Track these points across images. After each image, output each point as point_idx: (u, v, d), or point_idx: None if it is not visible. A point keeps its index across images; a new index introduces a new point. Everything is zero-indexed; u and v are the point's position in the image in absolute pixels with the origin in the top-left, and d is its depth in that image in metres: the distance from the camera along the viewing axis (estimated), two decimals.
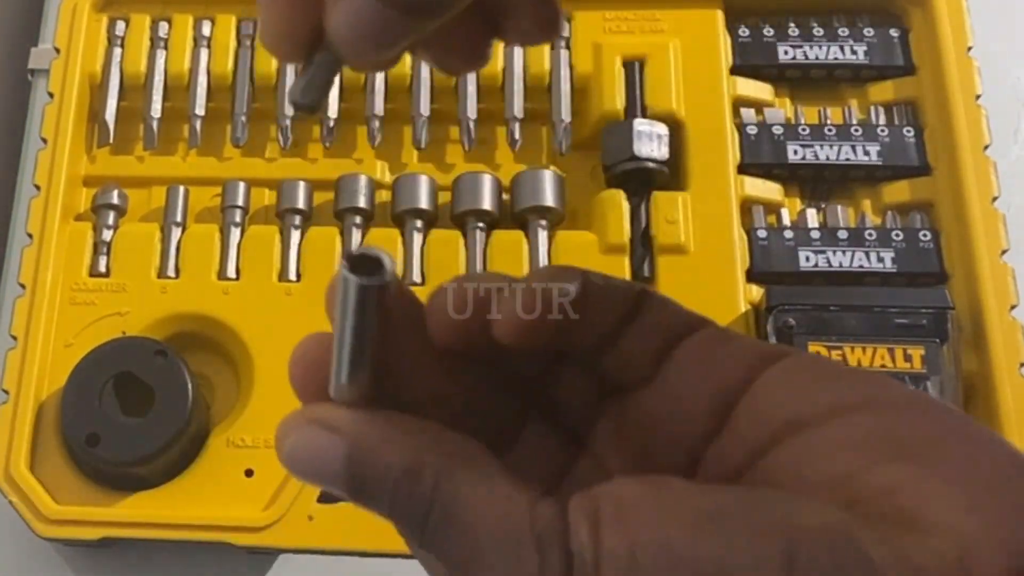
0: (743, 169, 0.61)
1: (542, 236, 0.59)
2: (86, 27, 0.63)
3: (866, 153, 0.61)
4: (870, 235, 0.58)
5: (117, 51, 0.64)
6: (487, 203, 0.60)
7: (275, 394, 0.55)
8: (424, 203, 0.60)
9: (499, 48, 0.60)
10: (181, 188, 0.61)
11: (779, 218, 0.60)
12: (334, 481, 0.23)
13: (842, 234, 0.59)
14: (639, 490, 0.21)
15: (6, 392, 0.55)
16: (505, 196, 0.61)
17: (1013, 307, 0.56)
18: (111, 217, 0.60)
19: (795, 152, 0.61)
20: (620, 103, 0.61)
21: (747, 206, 0.60)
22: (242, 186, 0.61)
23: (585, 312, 0.25)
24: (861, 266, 0.58)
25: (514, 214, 0.60)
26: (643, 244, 0.59)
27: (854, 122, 0.62)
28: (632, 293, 0.26)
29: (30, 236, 0.59)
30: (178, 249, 0.59)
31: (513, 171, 0.61)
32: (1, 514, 0.54)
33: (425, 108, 0.62)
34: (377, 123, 0.62)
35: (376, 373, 0.24)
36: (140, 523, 0.53)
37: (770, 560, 0.19)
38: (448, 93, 0.63)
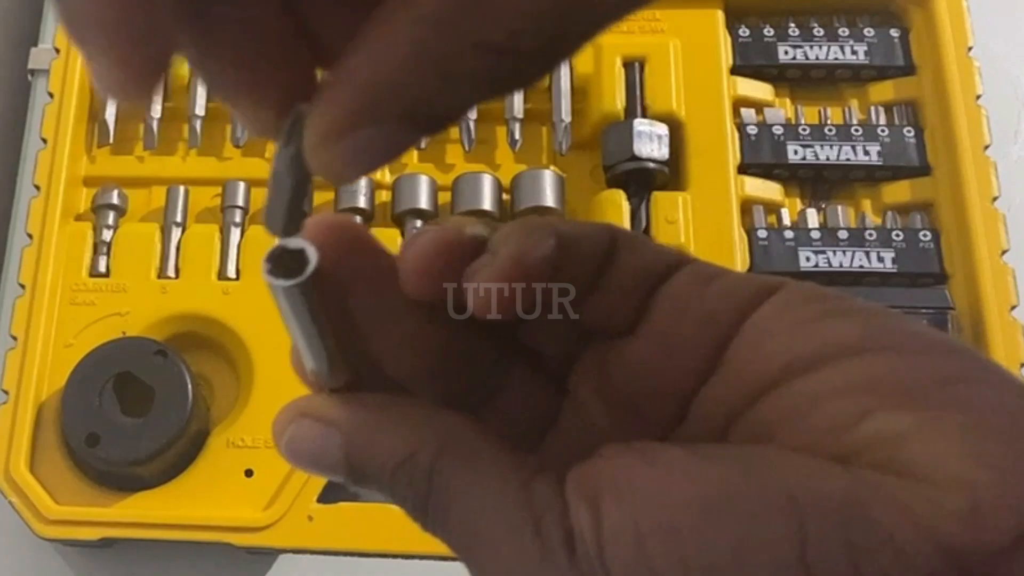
0: (743, 169, 0.61)
1: None
2: None
3: (866, 153, 0.61)
4: (870, 235, 0.58)
5: None
6: (487, 203, 0.60)
7: (275, 394, 0.55)
8: (424, 203, 0.60)
9: None
10: (181, 188, 0.61)
11: (779, 218, 0.60)
12: (336, 472, 0.24)
13: (842, 234, 0.59)
14: (635, 464, 0.21)
15: (6, 392, 0.55)
16: (505, 196, 0.61)
17: (1013, 307, 0.56)
18: (111, 217, 0.60)
19: (795, 152, 0.61)
20: (620, 103, 0.61)
21: (747, 206, 0.60)
22: (242, 186, 0.61)
23: (561, 267, 0.24)
24: (861, 266, 0.58)
25: (514, 214, 0.60)
26: None
27: (854, 122, 0.62)
28: (604, 237, 0.24)
29: (30, 236, 0.59)
30: (178, 249, 0.59)
31: (513, 171, 0.61)
32: (1, 514, 0.54)
33: None
34: None
35: (345, 353, 0.23)
36: (140, 523, 0.53)
37: (783, 541, 0.18)
38: None
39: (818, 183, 0.62)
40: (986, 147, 0.59)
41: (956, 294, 0.56)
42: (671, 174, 0.60)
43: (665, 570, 0.19)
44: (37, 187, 0.59)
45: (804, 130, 0.61)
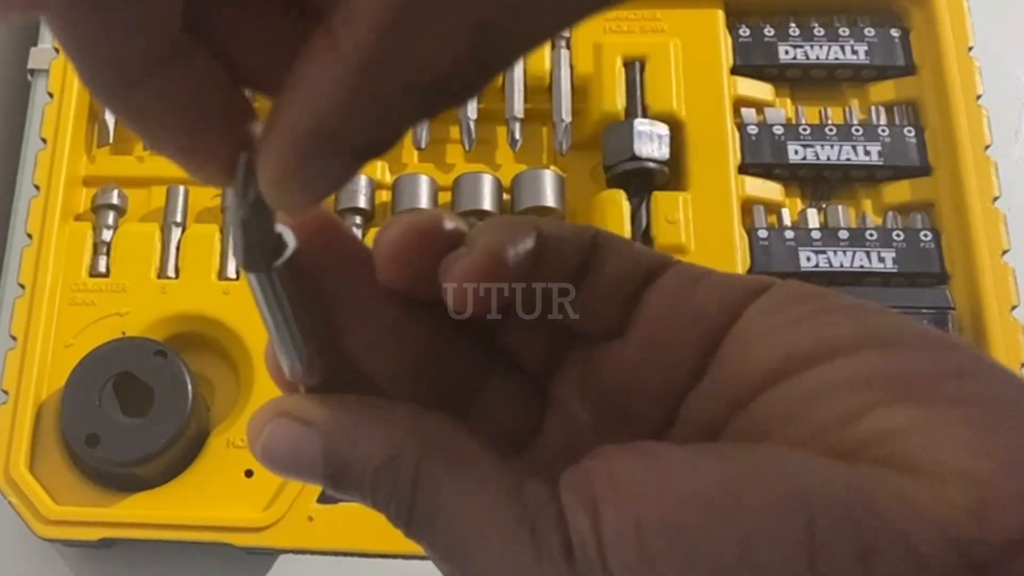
0: (744, 169, 0.60)
1: None
2: None
3: (867, 153, 0.61)
4: (871, 235, 0.58)
5: None
6: (487, 203, 0.60)
7: (275, 394, 0.55)
8: (424, 203, 0.60)
9: None
10: (181, 188, 0.61)
11: (780, 218, 0.60)
12: (313, 474, 0.22)
13: (843, 234, 0.59)
14: (635, 463, 0.20)
15: (6, 392, 0.55)
16: (505, 196, 0.61)
17: (1014, 307, 0.56)
18: (111, 217, 0.60)
19: (796, 152, 0.61)
20: (620, 103, 0.61)
21: (748, 206, 0.60)
22: None
23: (540, 266, 0.23)
24: (862, 266, 0.58)
25: (514, 214, 0.60)
26: (644, 244, 0.59)
27: (855, 122, 0.62)
28: (586, 239, 0.24)
29: (30, 236, 0.58)
30: (178, 249, 0.59)
31: (513, 171, 0.61)
32: (1, 514, 0.54)
33: None
34: None
35: (322, 348, 0.23)
36: (140, 523, 0.53)
37: (792, 539, 0.18)
38: None
39: (819, 183, 0.62)
40: (987, 147, 0.59)
41: (957, 294, 0.56)
42: (671, 174, 0.60)
43: (669, 570, 0.19)
44: (37, 187, 0.59)
45: (804, 130, 0.61)
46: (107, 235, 0.60)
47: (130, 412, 0.53)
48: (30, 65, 0.68)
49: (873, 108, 0.63)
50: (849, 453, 0.19)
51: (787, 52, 0.63)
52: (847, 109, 0.63)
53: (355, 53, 0.17)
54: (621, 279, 0.24)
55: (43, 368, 0.56)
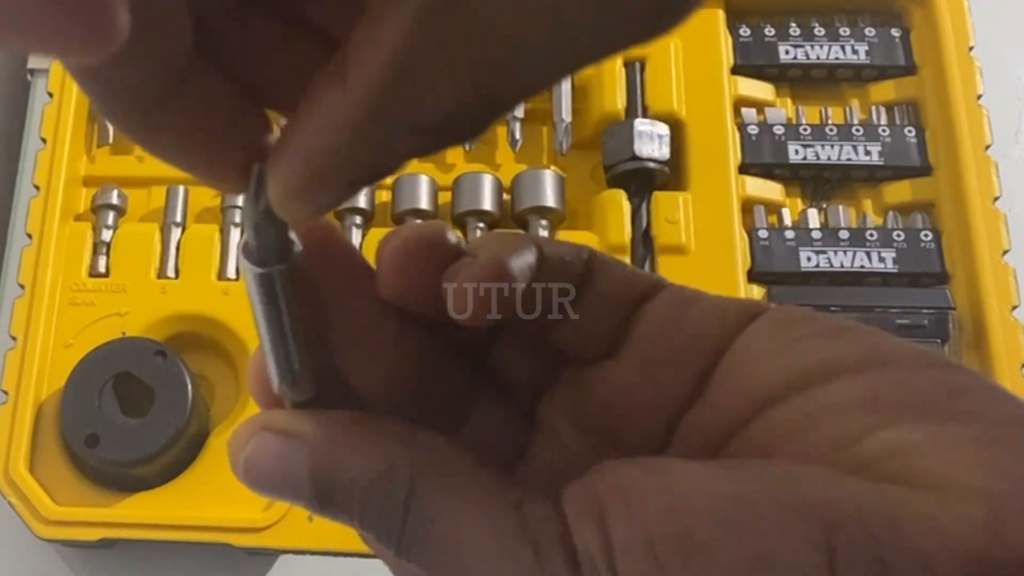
0: (744, 169, 0.60)
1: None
2: None
3: (867, 153, 0.61)
4: (871, 235, 0.58)
5: None
6: (487, 203, 0.60)
7: None
8: (424, 203, 0.60)
9: None
10: (181, 188, 0.61)
11: (780, 218, 0.60)
12: (298, 492, 0.21)
13: (843, 234, 0.59)
14: (643, 477, 0.19)
15: (5, 393, 0.55)
16: (506, 196, 0.61)
17: (1014, 307, 0.56)
18: (111, 217, 0.60)
19: (796, 152, 0.61)
20: (621, 103, 0.61)
21: (748, 206, 0.60)
22: None
23: (539, 279, 0.23)
24: (862, 266, 0.58)
25: (514, 214, 0.60)
26: (644, 244, 0.58)
27: (855, 122, 0.62)
28: (581, 260, 0.24)
29: (30, 236, 0.58)
30: (178, 249, 0.59)
31: (513, 171, 0.61)
32: (1, 514, 0.54)
33: None
34: None
35: (315, 360, 0.22)
36: (140, 524, 0.53)
37: (810, 553, 0.18)
38: None
39: (819, 183, 0.62)
40: (987, 147, 0.59)
41: (957, 294, 0.56)
42: (672, 174, 0.60)
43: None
44: (37, 187, 0.59)
45: (805, 130, 0.61)
46: (107, 235, 0.60)
47: (130, 412, 0.53)
48: (30, 65, 0.68)
49: (874, 108, 0.63)
50: (857, 469, 0.19)
51: (787, 52, 0.63)
52: (848, 109, 0.63)
53: (363, 96, 0.18)
54: (613, 299, 0.24)
55: (43, 368, 0.56)
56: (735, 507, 0.18)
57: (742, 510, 0.18)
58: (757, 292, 0.57)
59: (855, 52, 0.63)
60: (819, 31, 0.63)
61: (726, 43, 0.63)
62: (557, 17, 0.17)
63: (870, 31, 0.63)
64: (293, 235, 0.21)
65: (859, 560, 0.18)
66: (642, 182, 0.60)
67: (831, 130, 0.61)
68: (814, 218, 0.60)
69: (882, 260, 0.58)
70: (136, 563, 0.57)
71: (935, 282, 0.58)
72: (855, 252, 0.58)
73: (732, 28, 0.63)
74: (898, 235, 0.58)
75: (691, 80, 0.61)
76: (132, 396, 0.53)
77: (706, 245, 0.58)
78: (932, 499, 0.18)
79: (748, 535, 0.18)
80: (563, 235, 0.59)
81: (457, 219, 0.60)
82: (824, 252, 0.58)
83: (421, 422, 0.23)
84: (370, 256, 0.24)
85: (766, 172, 0.61)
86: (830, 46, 0.63)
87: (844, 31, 0.63)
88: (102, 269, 0.59)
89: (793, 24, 0.64)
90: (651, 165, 0.59)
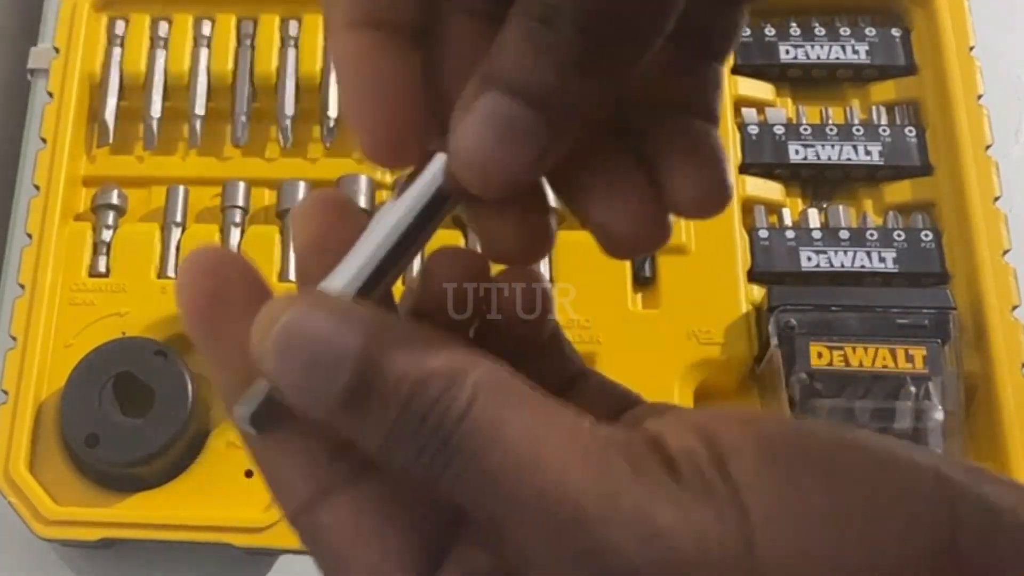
0: (744, 169, 0.60)
1: None
2: (86, 27, 0.63)
3: (868, 153, 0.60)
4: (872, 235, 0.58)
5: (117, 51, 0.64)
6: None
7: None
8: None
9: None
10: (181, 188, 0.61)
11: (780, 218, 0.60)
12: (334, 371, 0.18)
13: (844, 234, 0.58)
14: (733, 416, 0.19)
15: (5, 393, 0.55)
16: None
17: (1015, 307, 0.56)
18: (111, 217, 0.60)
19: (796, 152, 0.61)
20: None
21: (748, 206, 0.60)
22: (242, 186, 0.61)
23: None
24: (863, 266, 0.58)
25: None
26: None
27: (856, 122, 0.62)
28: (567, 375, 0.26)
29: (30, 236, 0.58)
30: (178, 249, 0.59)
31: None
32: (1, 514, 0.54)
33: None
34: None
35: (390, 284, 0.22)
36: (140, 524, 0.53)
37: (937, 521, 0.17)
38: None
39: (819, 183, 0.62)
40: (987, 147, 0.59)
41: (957, 294, 0.56)
42: None
43: (804, 475, 0.18)
44: (37, 187, 0.59)
45: (805, 130, 0.61)
46: (107, 235, 0.60)
47: (130, 412, 0.53)
48: (30, 65, 0.68)
49: (874, 108, 0.63)
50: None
51: (788, 52, 0.63)
52: (848, 109, 0.63)
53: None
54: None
55: (43, 368, 0.56)
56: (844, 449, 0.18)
57: (865, 481, 0.18)
58: (757, 292, 0.57)
59: (855, 52, 0.63)
60: (819, 31, 0.63)
61: None
62: None
63: (870, 31, 0.63)
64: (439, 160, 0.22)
65: (975, 526, 0.18)
66: None
67: (831, 130, 0.61)
68: (814, 218, 0.60)
69: (882, 260, 0.58)
70: (136, 563, 0.57)
71: (935, 282, 0.58)
72: (855, 252, 0.58)
73: None
74: (898, 235, 0.58)
75: None
76: (132, 396, 0.53)
77: (706, 245, 0.58)
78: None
79: (868, 454, 0.18)
80: (563, 235, 0.59)
81: (457, 219, 0.60)
82: (824, 252, 0.58)
83: None
84: None
85: (766, 172, 0.61)
86: (830, 46, 0.63)
87: (844, 31, 0.63)
88: (102, 269, 0.59)
89: (793, 24, 0.64)
90: None
